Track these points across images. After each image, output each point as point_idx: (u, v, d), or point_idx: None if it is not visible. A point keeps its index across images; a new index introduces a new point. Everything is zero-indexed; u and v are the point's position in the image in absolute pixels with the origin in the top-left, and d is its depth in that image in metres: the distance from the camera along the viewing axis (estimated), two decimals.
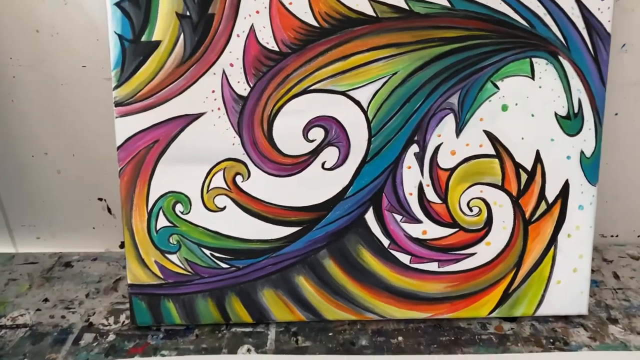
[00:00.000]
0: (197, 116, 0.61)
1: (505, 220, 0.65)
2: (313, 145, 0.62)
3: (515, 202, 0.65)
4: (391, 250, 0.65)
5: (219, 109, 0.61)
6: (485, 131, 0.63)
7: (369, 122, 0.62)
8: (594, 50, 0.61)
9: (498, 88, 0.62)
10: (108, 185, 0.83)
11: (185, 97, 0.60)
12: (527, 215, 0.65)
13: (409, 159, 0.63)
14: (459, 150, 0.63)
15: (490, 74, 0.62)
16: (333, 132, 0.61)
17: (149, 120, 0.61)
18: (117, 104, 0.60)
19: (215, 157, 0.62)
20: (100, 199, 0.89)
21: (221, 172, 0.63)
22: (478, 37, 0.60)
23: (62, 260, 0.86)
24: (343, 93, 0.60)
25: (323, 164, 0.63)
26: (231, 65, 0.60)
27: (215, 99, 0.60)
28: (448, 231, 0.65)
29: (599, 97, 0.62)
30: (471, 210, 0.65)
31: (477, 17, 0.59)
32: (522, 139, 0.63)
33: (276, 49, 0.59)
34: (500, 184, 0.64)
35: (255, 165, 0.62)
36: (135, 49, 0.59)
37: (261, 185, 0.62)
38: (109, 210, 0.90)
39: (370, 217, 0.65)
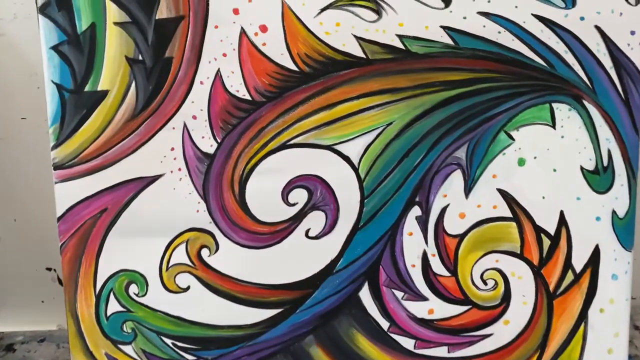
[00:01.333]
0: (154, 179, 0.54)
1: (526, 295, 0.57)
2: (295, 210, 0.55)
3: (537, 272, 0.57)
4: (392, 334, 0.57)
5: (179, 169, 0.54)
6: (499, 190, 0.56)
7: (360, 181, 0.54)
8: (625, 93, 0.54)
9: (513, 139, 0.55)
10: (57, 253, 0.70)
11: (139, 157, 0.53)
12: (552, 287, 0.58)
13: (410, 223, 0.56)
14: (469, 212, 0.56)
15: (504, 123, 0.55)
16: (318, 193, 0.54)
17: (96, 185, 0.53)
18: (57, 167, 0.53)
19: (176, 227, 0.54)
20: (49, 269, 0.80)
21: (183, 245, 0.55)
22: (488, 79, 0.53)
23: (3, 342, 0.76)
24: (329, 147, 0.54)
25: (307, 231, 0.55)
26: (194, 117, 0.53)
27: (175, 158, 0.53)
28: (459, 309, 0.57)
29: (632, 147, 0.54)
30: (485, 284, 0.57)
31: (486, 56, 0.52)
32: (543, 198, 0.56)
33: (248, 97, 0.53)
34: (518, 252, 0.57)
35: (225, 235, 0.55)
36: (78, 101, 0.52)
37: (232, 259, 0.55)
38: (60, 281, 0.80)
39: (365, 294, 0.57)
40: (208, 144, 0.53)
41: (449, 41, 0.52)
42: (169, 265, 0.55)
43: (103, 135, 0.53)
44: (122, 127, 0.53)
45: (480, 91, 0.54)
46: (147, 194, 0.54)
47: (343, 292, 0.56)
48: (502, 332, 0.58)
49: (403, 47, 0.52)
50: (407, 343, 0.57)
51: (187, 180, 0.54)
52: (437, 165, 0.54)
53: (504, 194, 0.55)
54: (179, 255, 0.55)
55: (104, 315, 0.55)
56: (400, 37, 0.52)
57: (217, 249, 0.55)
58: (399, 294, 0.57)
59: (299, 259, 0.55)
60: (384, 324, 0.57)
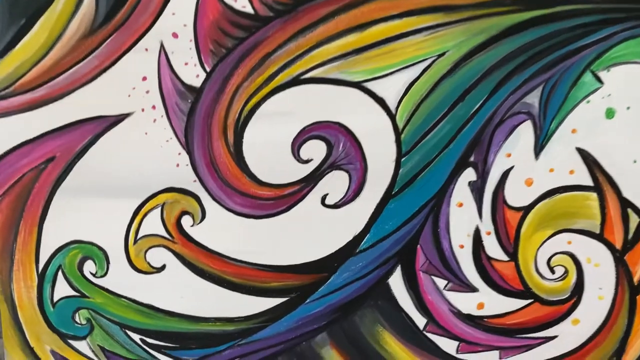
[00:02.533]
0: (118, 119, 0.45)
1: (603, 287, 0.48)
2: (308, 169, 0.46)
3: (620, 259, 0.48)
4: (428, 334, 0.49)
5: (153, 107, 0.44)
6: (579, 149, 0.46)
7: (397, 132, 0.45)
8: None
9: (602, 82, 0.45)
10: None
11: (98, 88, 0.44)
12: (636, 279, 0.48)
13: (461, 191, 0.46)
14: (539, 178, 0.46)
15: (591, 60, 0.44)
16: (340, 147, 0.45)
17: (39, 125, 0.45)
18: None
19: (149, 186, 0.46)
20: None
21: (158, 210, 0.46)
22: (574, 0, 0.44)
23: None
24: (357, 85, 0.44)
25: (323, 198, 0.46)
26: (174, 36, 0.44)
27: (147, 92, 0.44)
28: (517, 304, 0.48)
29: None
30: (553, 272, 0.48)
31: None
32: (635, 162, 0.46)
33: (250, 10, 0.43)
34: (598, 232, 0.47)
35: (214, 198, 0.46)
36: (13, 6, 0.43)
37: (223, 231, 0.46)
38: None
39: (396, 282, 0.48)
40: (193, 74, 0.44)
41: None
42: (138, 237, 0.47)
43: (49, 57, 0.43)
44: (76, 46, 0.43)
45: (562, 15, 0.44)
46: (109, 140, 0.45)
47: (368, 278, 0.48)
48: (570, 334, 0.50)
49: None
50: (448, 345, 0.49)
51: (164, 122, 0.45)
52: (500, 114, 0.45)
53: (585, 156, 0.46)
54: (152, 224, 0.46)
55: (50, 301, 0.47)
56: None
57: (203, 217, 0.46)
58: (441, 283, 0.48)
59: (311, 233, 0.47)
60: (419, 321, 0.49)
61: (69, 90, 0.44)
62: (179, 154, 0.45)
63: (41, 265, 0.47)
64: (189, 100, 0.45)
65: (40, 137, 0.45)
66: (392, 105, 0.45)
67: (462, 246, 0.47)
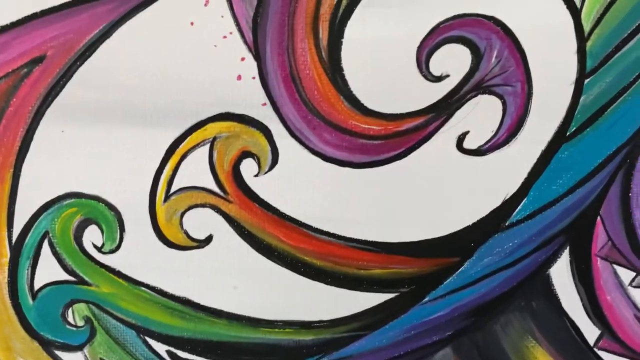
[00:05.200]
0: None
1: None
2: (441, 91, 0.35)
3: None
4: (601, 352, 0.38)
5: None
6: None
7: (581, 37, 0.34)
8: None
9: None
10: None
11: None
12: None
13: None
14: None
15: None
16: (493, 57, 0.34)
17: (22, 4, 0.33)
18: None
19: (192, 109, 0.35)
20: None
21: (204, 148, 0.35)
22: None
23: None
24: None
25: (461, 138, 0.35)
26: None
27: None
28: None
29: None
30: None
31: None
32: None
33: None
34: None
35: (292, 134, 0.35)
36: None
37: (305, 186, 0.36)
38: None
39: (561, 273, 0.37)
40: None
41: None
42: (171, 192, 0.36)
43: None
44: None
45: None
46: (133, 31, 0.34)
47: (519, 266, 0.38)
48: None
49: None
50: None
51: (223, 5, 0.34)
52: None
53: None
54: (194, 171, 0.36)
55: (27, 289, 0.37)
56: None
57: (274, 162, 0.36)
58: (626, 275, 0.38)
59: (439, 194, 0.37)
60: (590, 332, 0.39)
61: None
62: (243, 59, 0.34)
63: (16, 233, 0.36)
64: None
65: (23, 22, 0.34)
66: None
67: None
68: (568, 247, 0.37)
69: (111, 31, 0.33)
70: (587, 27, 0.34)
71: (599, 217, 0.37)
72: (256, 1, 0.33)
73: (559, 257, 0.37)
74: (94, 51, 0.33)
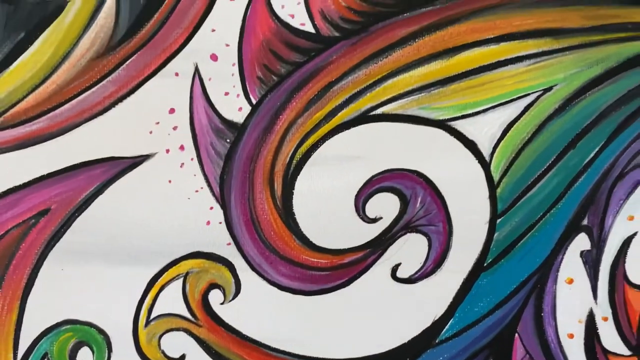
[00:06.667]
0: (136, 162, 0.38)
1: None
2: (376, 231, 0.39)
3: None
4: None
5: (181, 148, 0.38)
6: None
7: (492, 185, 0.39)
8: None
9: None
10: None
11: (111, 122, 0.38)
12: None
13: (571, 264, 0.40)
14: None
15: None
16: (418, 203, 0.39)
17: (33, 167, 0.38)
18: None
19: (169, 249, 0.39)
20: None
21: (179, 282, 0.39)
22: None
23: None
24: (441, 124, 0.39)
25: (394, 269, 0.39)
26: (213, 58, 0.38)
27: (174, 128, 0.38)
28: None
29: None
30: None
31: None
32: None
33: (310, 28, 0.37)
34: None
35: (253, 268, 0.39)
36: (13, 16, 0.37)
37: (263, 312, 0.39)
38: None
39: None
40: (235, 107, 0.38)
41: None
42: (151, 318, 0.39)
43: (51, 80, 0.36)
44: (87, 67, 0.37)
45: None
46: (121, 189, 0.38)
47: None
48: None
49: None
50: None
51: (194, 167, 0.38)
52: (620, 166, 0.40)
53: None
54: (170, 300, 0.39)
55: None
56: None
57: (237, 292, 0.40)
58: None
59: (377, 317, 0.40)
60: None
61: (74, 124, 0.37)
62: (211, 208, 0.38)
63: (20, 354, 0.39)
64: (228, 140, 0.38)
65: (32, 183, 0.38)
66: (485, 151, 0.39)
67: (571, 335, 0.41)
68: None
69: (104, 189, 0.38)
70: (496, 177, 0.39)
71: (516, 334, 0.40)
72: (222, 162, 0.38)
73: None
74: (90, 205, 0.38)
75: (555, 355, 0.40)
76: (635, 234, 0.40)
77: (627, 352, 0.41)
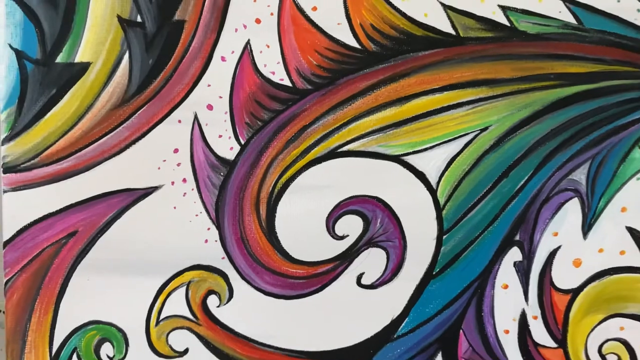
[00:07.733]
0: (146, 193, 0.42)
1: None
2: (343, 246, 0.43)
3: None
4: None
5: (184, 181, 0.43)
6: (629, 229, 0.43)
7: (439, 208, 0.43)
8: None
9: None
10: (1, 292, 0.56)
11: (127, 160, 0.42)
12: None
13: (506, 272, 0.44)
14: (588, 259, 0.43)
15: None
16: (378, 223, 0.43)
17: (63, 198, 0.42)
18: (8, 169, 0.42)
19: (174, 263, 0.43)
20: None
21: (183, 289, 0.43)
22: (620, 74, 0.42)
23: None
24: (397, 159, 0.43)
25: (359, 277, 0.44)
26: (209, 107, 0.42)
27: (178, 164, 0.42)
28: None
29: None
30: None
31: (619, 42, 0.41)
32: None
33: (287, 82, 0.42)
34: None
35: (243, 277, 0.43)
36: (45, 76, 0.41)
37: (251, 313, 0.43)
38: None
39: None
40: (227, 146, 0.42)
41: (571, 19, 0.42)
42: (161, 318, 0.44)
43: (78, 127, 0.41)
44: (107, 117, 0.41)
45: (608, 90, 0.42)
46: (136, 214, 0.42)
47: None
48: None
49: (507, 24, 0.42)
50: None
51: (194, 196, 0.43)
52: (546, 191, 0.43)
53: (637, 235, 0.43)
54: (176, 304, 0.43)
55: None
56: (505, 8, 0.41)
57: (230, 297, 0.44)
58: None
59: (345, 316, 0.44)
60: None
61: (96, 162, 0.42)
62: (208, 229, 0.43)
63: (55, 348, 0.43)
64: (222, 174, 0.43)
65: (63, 210, 0.42)
66: (433, 180, 0.43)
67: (507, 331, 0.44)
68: (441, 352, 0.44)
69: (121, 214, 0.42)
70: (442, 201, 0.43)
71: (461, 331, 0.44)
72: (217, 191, 0.42)
73: None
74: (110, 227, 0.42)
75: (494, 348, 0.44)
76: (559, 247, 0.43)
77: (554, 344, 0.44)
